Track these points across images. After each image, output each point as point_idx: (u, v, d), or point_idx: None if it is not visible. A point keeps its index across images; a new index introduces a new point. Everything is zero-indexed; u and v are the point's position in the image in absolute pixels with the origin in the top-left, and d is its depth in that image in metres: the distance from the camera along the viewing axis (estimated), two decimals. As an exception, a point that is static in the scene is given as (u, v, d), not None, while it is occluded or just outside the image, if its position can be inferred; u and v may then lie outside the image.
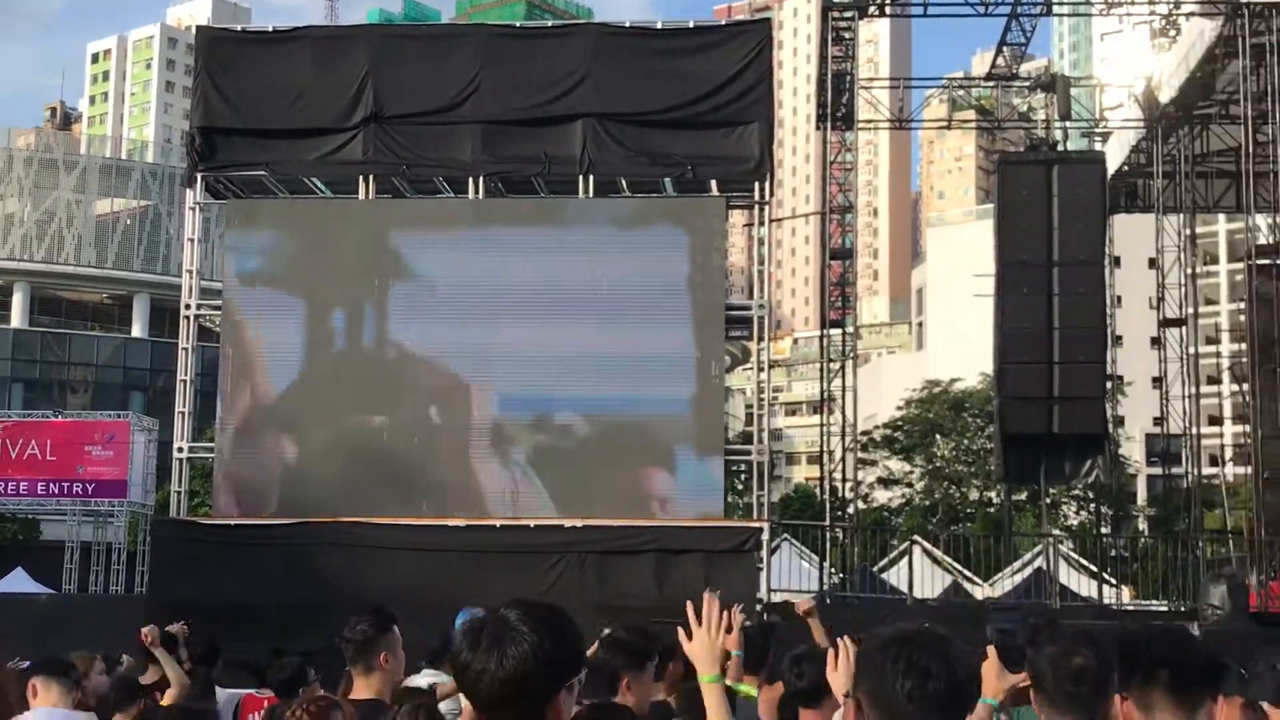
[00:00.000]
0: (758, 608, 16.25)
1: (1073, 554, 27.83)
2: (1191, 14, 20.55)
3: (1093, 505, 35.07)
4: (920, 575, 24.82)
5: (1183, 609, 20.34)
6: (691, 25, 20.87)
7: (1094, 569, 25.52)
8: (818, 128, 24.52)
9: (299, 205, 20.50)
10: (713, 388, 19.28)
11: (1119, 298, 26.21)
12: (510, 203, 20.22)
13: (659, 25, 21.11)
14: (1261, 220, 21.50)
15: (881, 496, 59.47)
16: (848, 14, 21.84)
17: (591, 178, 19.40)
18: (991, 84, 26.37)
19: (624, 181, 19.84)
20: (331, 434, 19.24)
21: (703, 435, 18.99)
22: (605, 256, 19.14)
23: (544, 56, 20.09)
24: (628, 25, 21.45)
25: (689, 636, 3.99)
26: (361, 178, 19.62)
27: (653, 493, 18.85)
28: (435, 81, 19.78)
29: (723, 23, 29.79)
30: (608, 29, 21.02)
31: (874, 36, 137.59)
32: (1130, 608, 23.56)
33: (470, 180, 19.51)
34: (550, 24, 48.25)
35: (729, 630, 4.33)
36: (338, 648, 5.67)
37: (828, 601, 19.36)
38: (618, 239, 19.43)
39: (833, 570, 22.05)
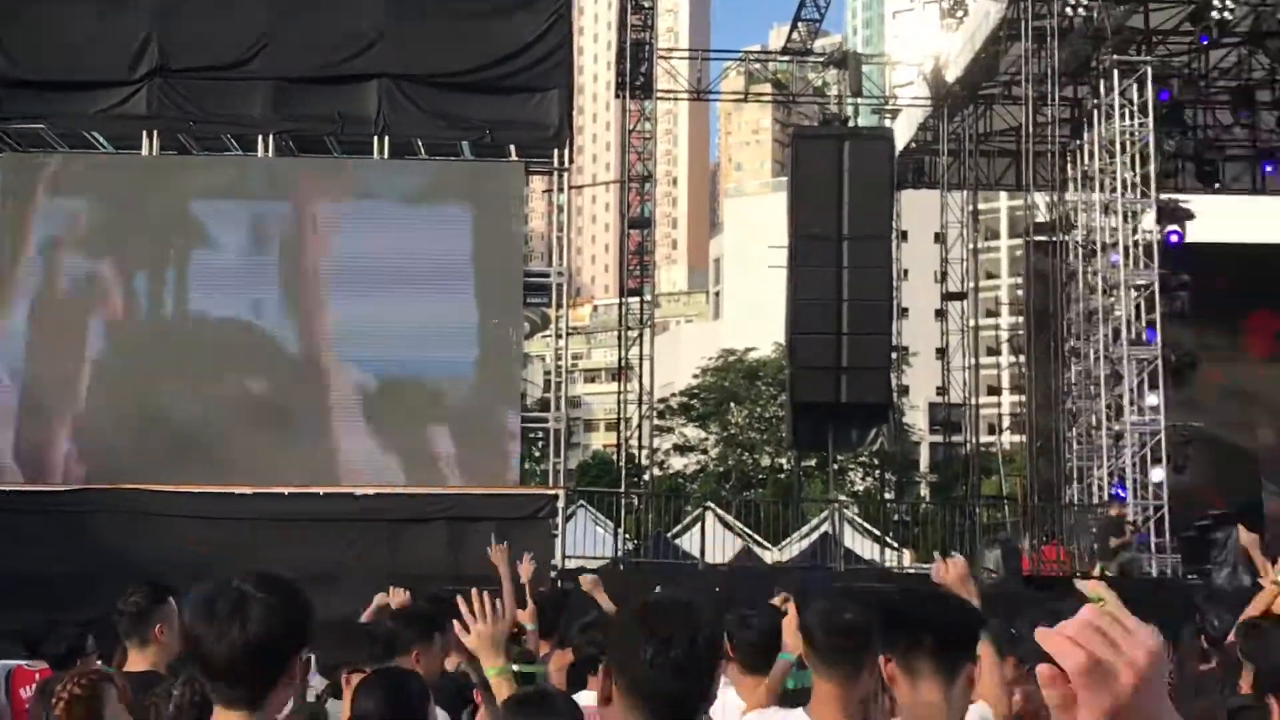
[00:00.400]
0: (552, 575, 16.42)
1: (858, 519, 28.59)
2: (976, -3, 21.25)
3: (878, 472, 36.06)
4: (712, 541, 25.23)
5: (961, 573, 21.07)
6: (491, -13, 20.68)
7: (877, 533, 26.27)
8: (617, 96, 24.65)
9: (95, 164, 19.85)
10: (510, 354, 19.34)
11: (906, 271, 26.98)
12: (307, 165, 19.89)
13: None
14: (1040, 198, 22.31)
15: (677, 463, 60.14)
16: (646, -18, 22.01)
17: (387, 139, 19.21)
18: (787, 58, 26.76)
19: (420, 144, 19.70)
20: (124, 401, 18.71)
21: (497, 401, 19.03)
22: (399, 222, 18.97)
23: (338, 13, 19.63)
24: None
25: (466, 629, 4.04)
26: (146, 133, 19.00)
27: (447, 460, 18.83)
28: (225, 35, 19.20)
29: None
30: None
31: (674, 6, 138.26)
32: (911, 570, 24.32)
33: (260, 138, 19.12)
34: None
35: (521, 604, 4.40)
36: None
37: (621, 568, 19.57)
38: (412, 204, 19.27)
39: (627, 536, 22.28)
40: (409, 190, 19.54)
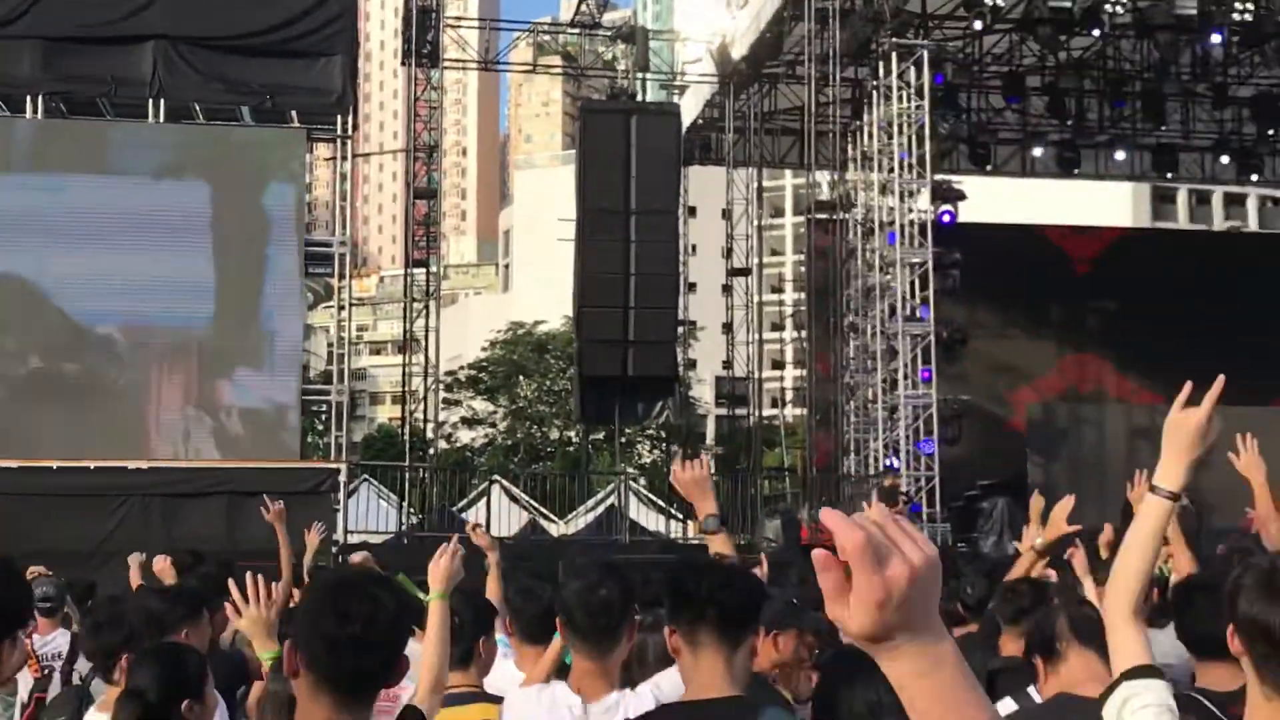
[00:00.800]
0: (334, 550, 16.28)
1: (644, 491, 28.92)
2: (762, -24, 21.55)
3: (665, 444, 36.46)
4: (498, 513, 25.26)
5: (742, 542, 21.52)
6: (272, -50, 20.27)
7: (663, 505, 26.61)
8: (403, 64, 24.37)
9: None
10: (290, 324, 19.08)
11: (694, 246, 27.33)
12: (68, 127, 19.25)
13: (237, -51, 20.40)
14: (822, 177, 22.82)
15: (465, 436, 59.71)
16: (435, -49, 21.79)
17: (163, 102, 18.69)
18: (576, 31, 26.71)
19: (198, 108, 19.23)
20: None
21: (275, 374, 18.79)
22: (163, 185, 18.56)
23: (111, -29, 19.15)
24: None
25: (237, 613, 4.05)
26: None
27: (225, 433, 18.52)
28: (-10, -8, 18.50)
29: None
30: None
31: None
32: (695, 542, 24.71)
33: (29, 99, 18.42)
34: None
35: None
36: None
37: (404, 542, 19.45)
38: (176, 168, 18.85)
39: (412, 511, 22.12)
40: (174, 158, 19.10)
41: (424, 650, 3.94)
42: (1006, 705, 4.94)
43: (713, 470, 38.41)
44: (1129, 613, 3.19)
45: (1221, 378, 3.34)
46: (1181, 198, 71.90)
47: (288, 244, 19.19)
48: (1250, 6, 20.40)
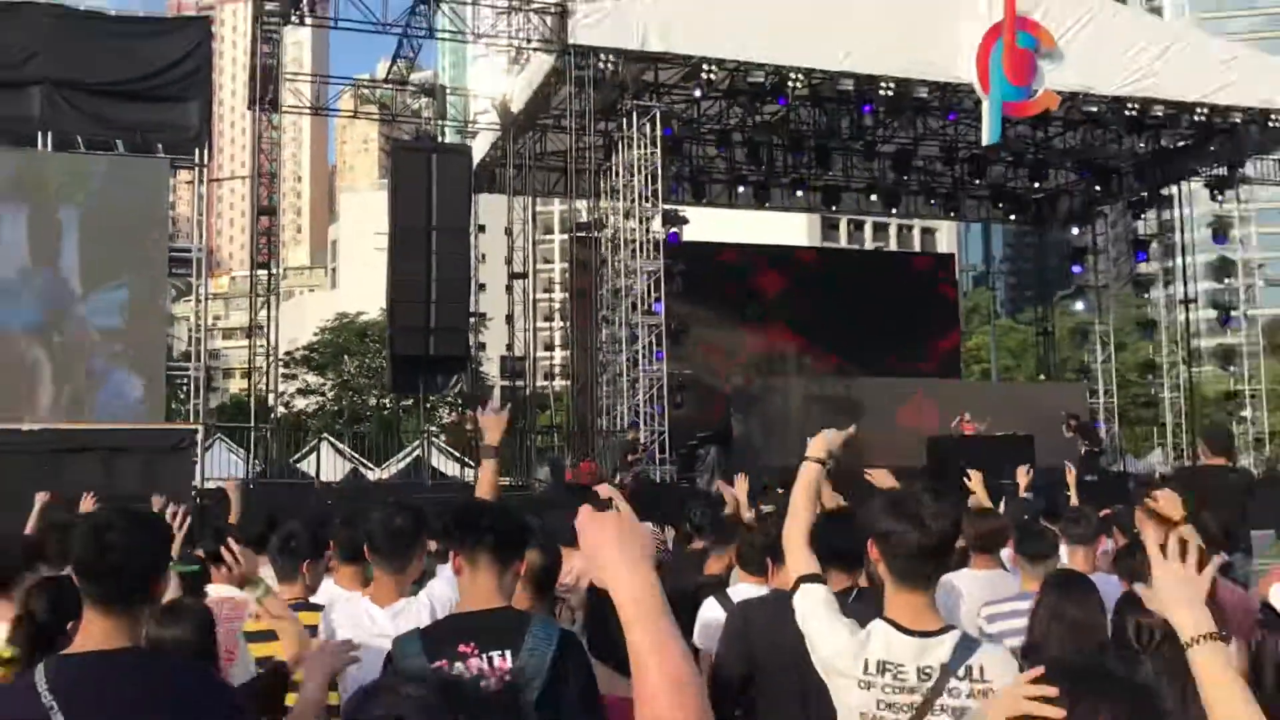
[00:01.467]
0: (193, 494, 15.82)
1: (444, 445, 28.67)
2: (535, 49, 21.42)
3: (461, 408, 36.21)
4: (326, 464, 24.80)
5: (520, 483, 21.55)
6: (142, 15, 19.42)
7: (459, 455, 26.46)
8: (249, 109, 23.50)
9: None
10: (156, 315, 18.37)
11: (483, 255, 27.03)
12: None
13: (113, 13, 19.46)
14: (581, 204, 22.90)
15: (301, 404, 58.52)
16: (275, 20, 20.99)
17: (50, 134, 17.82)
18: (389, 86, 26.18)
19: (80, 140, 18.30)
20: None
21: (145, 353, 18.14)
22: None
23: (5, 27, 18.14)
24: (82, 10, 19.65)
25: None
26: None
27: (105, 400, 17.72)
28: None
29: (170, 16, 27.67)
30: (61, 10, 19.19)
31: (300, 39, 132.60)
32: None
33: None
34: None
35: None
36: None
37: (251, 488, 18.86)
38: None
39: (257, 463, 21.45)
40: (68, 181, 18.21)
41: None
42: (710, 605, 5.07)
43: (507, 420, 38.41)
44: (799, 541, 3.38)
45: (853, 428, 3.72)
46: (843, 225, 74.80)
47: (155, 249, 18.51)
48: (892, 87, 21.29)
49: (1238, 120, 23.43)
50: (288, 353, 58.72)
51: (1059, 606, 4.00)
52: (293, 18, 20.60)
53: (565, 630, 3.33)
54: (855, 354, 26.70)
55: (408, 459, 27.09)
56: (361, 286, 65.25)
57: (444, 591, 4.05)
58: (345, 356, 58.40)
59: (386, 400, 48.91)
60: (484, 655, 3.00)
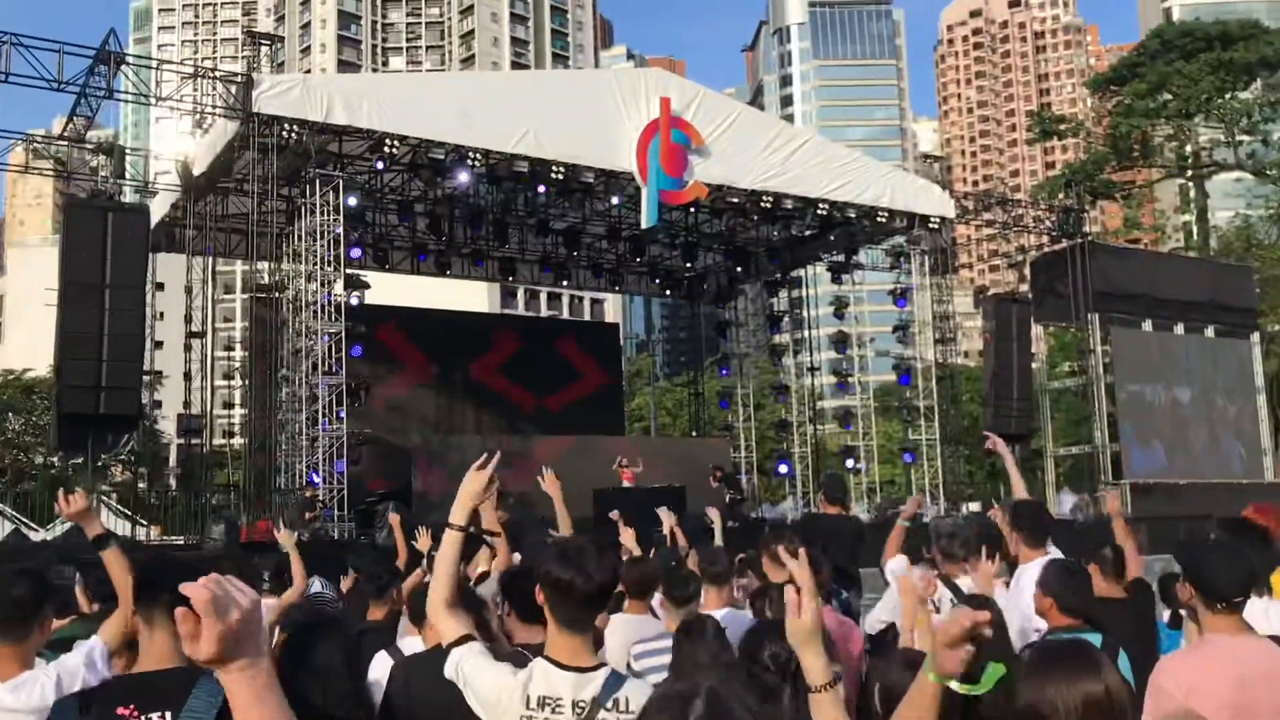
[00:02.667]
0: None
1: (115, 503, 26.43)
2: (218, 115, 20.39)
3: (135, 467, 33.51)
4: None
5: (194, 541, 20.13)
6: None
7: (130, 513, 24.47)
8: (-97, 156, 20.95)
9: None
10: None
11: (161, 313, 25.24)
12: None
13: None
14: (263, 265, 21.91)
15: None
16: (-65, 67, 18.86)
17: None
18: (65, 143, 24.14)
19: None
20: None
21: None
22: None
23: None
24: None
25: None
26: None
27: None
28: None
29: None
30: None
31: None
32: (158, 541, 22.84)
33: None
34: None
35: None
36: None
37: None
38: None
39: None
40: None
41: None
42: (381, 659, 4.91)
43: (173, 489, 35.84)
44: (444, 610, 3.36)
45: (499, 453, 3.63)
46: (520, 293, 75.63)
47: None
48: (562, 171, 21.80)
49: (853, 215, 25.63)
50: (-56, 410, 52.65)
51: (687, 651, 4.16)
52: (-45, 68, 18.62)
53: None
54: (530, 413, 26.90)
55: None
56: (30, 343, 59.51)
57: (73, 662, 3.65)
58: (10, 414, 52.89)
59: (54, 459, 44.63)
60: (144, 717, 2.80)
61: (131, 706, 2.80)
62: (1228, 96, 47.90)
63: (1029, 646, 4.16)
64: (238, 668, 1.78)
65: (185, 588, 1.79)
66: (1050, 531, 6.15)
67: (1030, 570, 5.56)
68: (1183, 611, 5.72)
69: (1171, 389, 30.33)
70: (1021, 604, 5.36)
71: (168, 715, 2.81)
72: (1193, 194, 55.38)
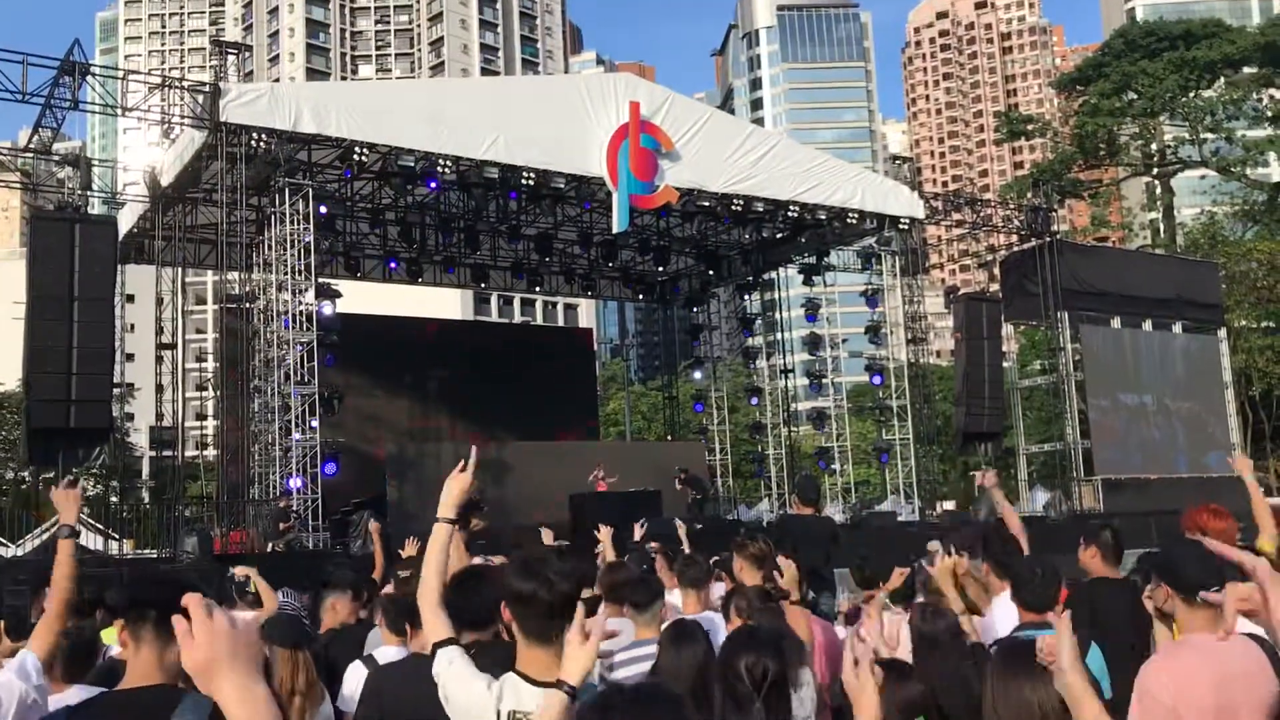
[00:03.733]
0: None
1: (86, 517, 26.11)
2: (186, 125, 20.24)
3: (105, 480, 33.21)
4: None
5: (166, 554, 19.95)
6: None
7: (102, 527, 24.22)
8: None
9: None
10: None
11: (132, 325, 25.08)
12: None
13: None
14: (233, 276, 21.75)
15: (-76, 479, 51.83)
16: (-103, 79, 18.64)
17: None
18: (31, 154, 23.90)
19: None
20: None
21: None
22: None
23: None
24: None
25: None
26: None
27: None
28: None
29: None
30: None
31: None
32: (130, 556, 22.64)
33: None
34: None
35: None
36: None
37: None
38: None
39: None
40: None
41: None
42: (355, 668, 4.95)
43: (147, 501, 35.49)
44: (434, 604, 3.34)
45: (475, 449, 3.66)
46: (494, 300, 75.44)
47: None
48: (533, 176, 21.77)
49: (823, 217, 25.75)
50: (-91, 426, 51.97)
51: (672, 659, 4.15)
52: (-82, 80, 18.42)
53: (218, 707, 3.13)
54: (506, 419, 26.85)
55: (46, 534, 24.45)
56: (-2, 357, 58.86)
57: (6, 676, 3.62)
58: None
59: (25, 474, 44.14)
60: None
61: None
62: (1191, 95, 48.47)
63: (996, 643, 4.20)
64: (231, 680, 1.77)
65: (188, 598, 1.82)
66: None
67: (1003, 601, 5.43)
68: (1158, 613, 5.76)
69: (1140, 385, 30.65)
70: (996, 634, 5.25)
71: None
72: (1159, 191, 55.99)
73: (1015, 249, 30.66)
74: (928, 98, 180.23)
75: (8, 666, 3.69)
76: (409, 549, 7.68)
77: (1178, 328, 32.52)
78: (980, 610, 5.53)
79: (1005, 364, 31.99)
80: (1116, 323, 31.22)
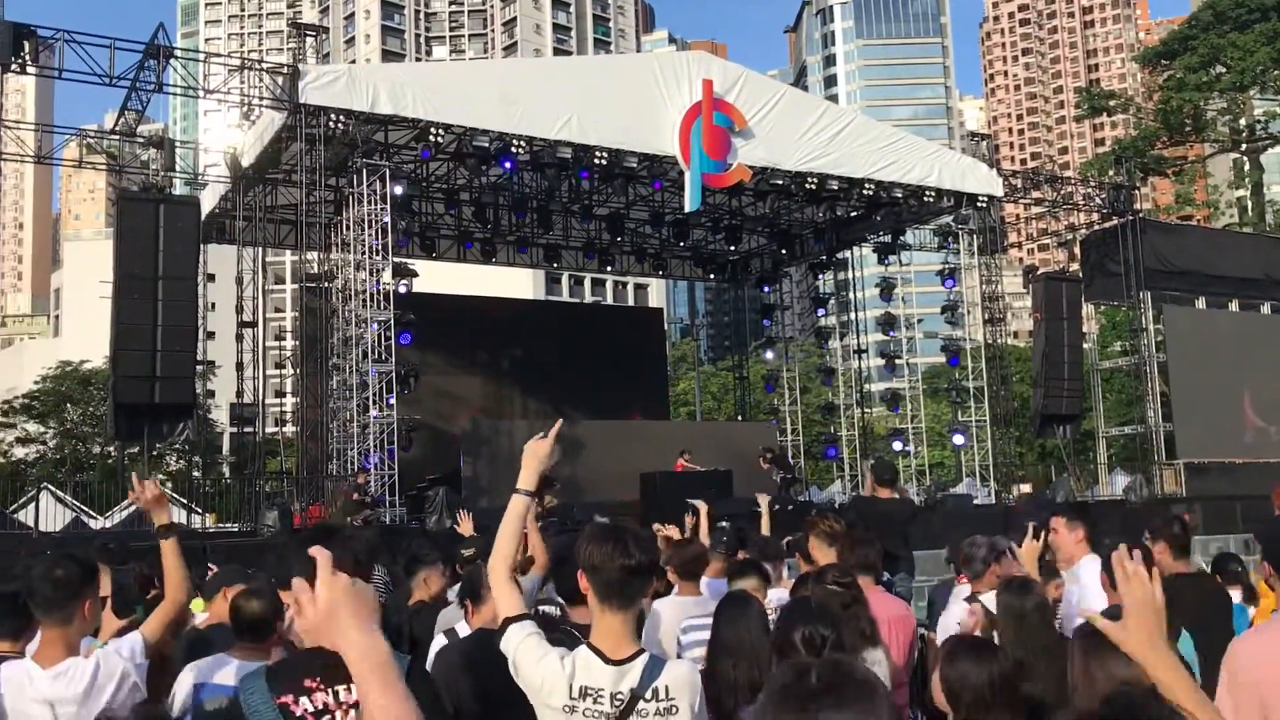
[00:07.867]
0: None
1: (170, 491, 26.84)
2: (266, 106, 20.58)
3: (189, 456, 34.03)
4: (46, 513, 22.78)
5: (248, 528, 20.44)
6: None
7: (186, 501, 24.86)
8: (-43, 156, 21.39)
9: None
10: None
11: (214, 304, 25.65)
12: None
13: None
14: (312, 256, 22.13)
15: (20, 452, 53.72)
16: (-10, 66, 19.20)
17: None
18: (117, 137, 24.49)
19: None
20: None
21: None
22: None
23: None
24: None
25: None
26: None
27: None
28: None
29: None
30: None
31: (22, 86, 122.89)
32: (213, 530, 23.24)
33: None
34: None
35: None
36: None
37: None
38: None
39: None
40: None
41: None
42: (440, 641, 5.01)
43: (228, 476, 36.35)
44: (505, 576, 3.32)
45: (560, 421, 3.66)
46: (564, 280, 75.82)
47: None
48: (605, 156, 21.76)
49: (899, 195, 25.36)
50: (5, 401, 53.77)
51: (718, 629, 4.22)
52: (13, 66, 18.93)
53: (414, 659, 3.25)
54: (577, 398, 26.97)
55: (132, 507, 25.15)
56: (86, 334, 60.67)
57: (113, 653, 3.68)
58: (69, 404, 53.93)
59: (111, 449, 45.53)
60: (329, 690, 2.85)
61: (317, 679, 2.86)
62: (1284, 67, 46.73)
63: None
64: (353, 634, 1.82)
65: (312, 550, 1.89)
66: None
67: (1088, 564, 5.45)
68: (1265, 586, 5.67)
69: (1225, 367, 29.77)
70: (1075, 600, 5.29)
71: (352, 689, 2.89)
72: (1247, 168, 54.21)
73: (1096, 228, 29.91)
74: (1006, 73, 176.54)
75: (117, 643, 3.77)
76: (464, 525, 7.71)
77: (1266, 308, 31.52)
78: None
79: (1085, 345, 31.30)
80: (1201, 303, 30.35)
